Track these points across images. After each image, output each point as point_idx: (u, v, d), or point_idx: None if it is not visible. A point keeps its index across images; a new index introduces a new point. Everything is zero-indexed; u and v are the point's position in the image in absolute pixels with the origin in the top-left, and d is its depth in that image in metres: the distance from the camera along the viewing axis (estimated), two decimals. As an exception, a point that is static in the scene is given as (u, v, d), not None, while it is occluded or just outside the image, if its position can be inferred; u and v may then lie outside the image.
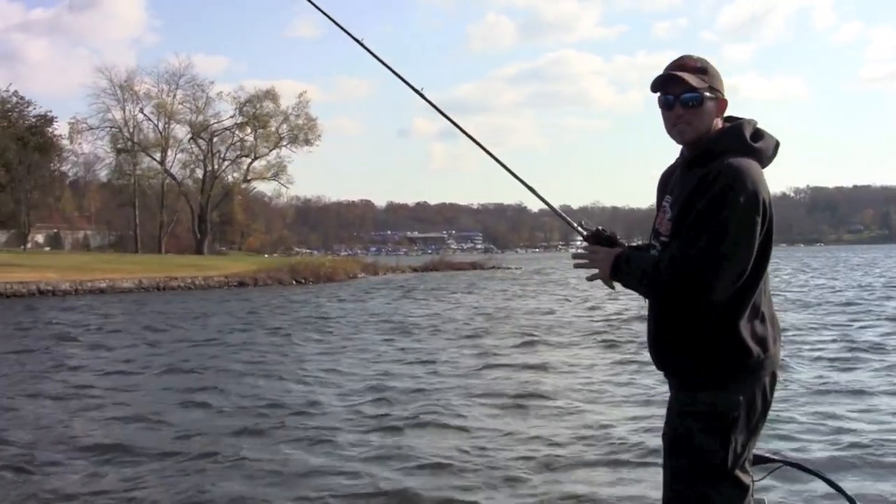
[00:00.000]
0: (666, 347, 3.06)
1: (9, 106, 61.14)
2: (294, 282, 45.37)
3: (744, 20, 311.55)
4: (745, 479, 2.97)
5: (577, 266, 3.19)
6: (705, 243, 2.79)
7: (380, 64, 3.84)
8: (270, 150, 73.29)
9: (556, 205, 3.49)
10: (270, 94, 72.04)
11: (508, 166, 3.46)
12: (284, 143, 72.80)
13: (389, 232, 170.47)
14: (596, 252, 3.11)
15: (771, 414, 3.07)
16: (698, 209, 2.84)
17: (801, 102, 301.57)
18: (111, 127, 69.20)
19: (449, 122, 3.68)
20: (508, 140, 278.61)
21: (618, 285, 3.10)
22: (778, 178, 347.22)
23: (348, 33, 3.88)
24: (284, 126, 72.70)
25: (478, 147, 3.59)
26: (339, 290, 39.33)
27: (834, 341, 14.64)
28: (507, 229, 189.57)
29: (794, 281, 38.57)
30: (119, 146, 69.53)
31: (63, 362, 14.21)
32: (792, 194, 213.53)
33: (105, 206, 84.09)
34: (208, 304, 29.75)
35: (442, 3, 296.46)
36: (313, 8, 3.97)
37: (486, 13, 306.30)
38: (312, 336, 17.90)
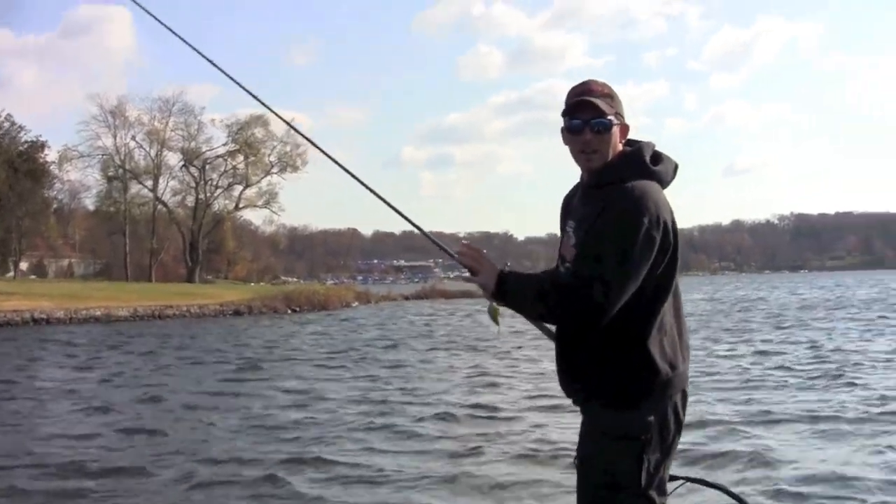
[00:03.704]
0: (575, 371, 3.00)
1: (1, 131, 60.49)
2: (289, 310, 45.28)
3: (731, 49, 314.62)
4: (661, 500, 2.90)
5: (462, 263, 3.01)
6: (610, 265, 2.75)
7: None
8: (262, 178, 73.02)
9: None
10: (261, 121, 71.52)
11: (384, 196, 3.35)
12: (275, 171, 72.56)
13: (376, 260, 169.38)
14: (483, 261, 2.98)
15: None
16: (597, 229, 2.83)
17: (787, 130, 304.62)
18: (102, 154, 68.70)
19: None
20: (497, 167, 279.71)
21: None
22: (763, 206, 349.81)
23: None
24: (275, 153, 72.45)
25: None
26: (361, 315, 38.99)
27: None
28: (493, 258, 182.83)
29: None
30: (110, 173, 68.94)
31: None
32: (776, 221, 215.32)
33: (90, 234, 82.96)
34: (253, 331, 29.37)
35: (437, 34, 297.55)
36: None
37: (476, 43, 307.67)
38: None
